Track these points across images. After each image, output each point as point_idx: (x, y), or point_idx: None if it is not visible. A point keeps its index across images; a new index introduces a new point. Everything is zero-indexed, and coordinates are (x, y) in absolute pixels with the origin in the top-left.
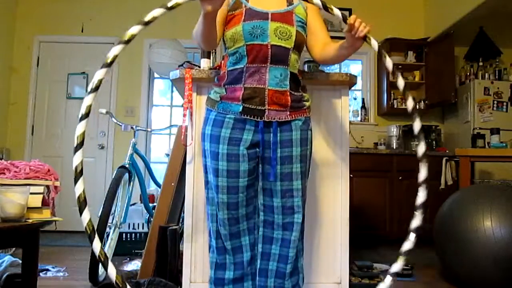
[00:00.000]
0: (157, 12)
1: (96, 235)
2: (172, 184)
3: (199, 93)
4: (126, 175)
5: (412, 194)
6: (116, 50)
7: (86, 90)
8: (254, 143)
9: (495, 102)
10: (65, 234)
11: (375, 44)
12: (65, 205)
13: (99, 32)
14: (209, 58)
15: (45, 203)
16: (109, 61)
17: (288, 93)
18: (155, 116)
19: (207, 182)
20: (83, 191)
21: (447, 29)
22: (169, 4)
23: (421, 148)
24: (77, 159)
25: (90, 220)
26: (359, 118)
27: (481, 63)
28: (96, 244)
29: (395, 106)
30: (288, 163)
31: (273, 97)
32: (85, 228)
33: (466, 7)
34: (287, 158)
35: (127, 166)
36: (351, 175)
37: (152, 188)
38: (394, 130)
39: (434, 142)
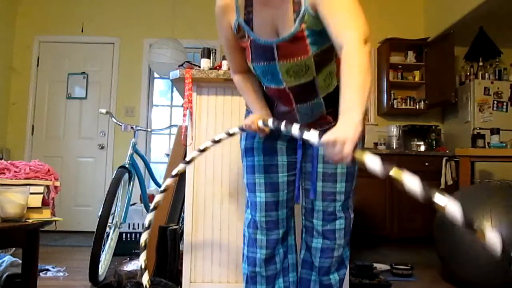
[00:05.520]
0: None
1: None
2: (172, 184)
3: (199, 93)
4: (126, 175)
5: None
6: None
7: (86, 90)
8: (294, 137)
9: (495, 102)
10: (65, 234)
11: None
12: (65, 205)
13: (99, 32)
14: (209, 58)
15: (45, 203)
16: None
17: (327, 114)
18: (155, 116)
19: (246, 184)
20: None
21: (447, 29)
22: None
23: None
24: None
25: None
26: None
27: (481, 63)
28: None
29: (395, 106)
30: (332, 162)
31: (311, 126)
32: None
33: (466, 7)
34: None
35: (127, 166)
36: None
37: (152, 188)
38: (394, 130)
39: (434, 142)
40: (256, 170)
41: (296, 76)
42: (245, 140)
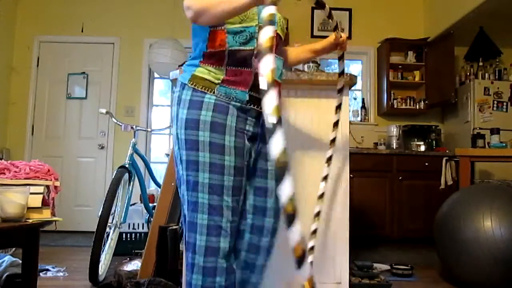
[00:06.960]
0: None
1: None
2: (172, 184)
3: None
4: (126, 175)
5: (412, 194)
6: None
7: (86, 90)
8: (254, 136)
9: (495, 102)
10: (65, 234)
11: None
12: (65, 205)
13: (99, 32)
14: None
15: (45, 203)
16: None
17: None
18: (155, 116)
19: (195, 183)
20: None
21: (447, 29)
22: None
23: None
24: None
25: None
26: (359, 118)
27: (481, 63)
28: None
29: (395, 106)
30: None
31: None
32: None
33: (466, 7)
34: None
35: (127, 166)
36: (351, 175)
37: (152, 188)
38: (394, 130)
39: (434, 142)
40: (227, 172)
41: (282, 27)
42: (209, 132)
